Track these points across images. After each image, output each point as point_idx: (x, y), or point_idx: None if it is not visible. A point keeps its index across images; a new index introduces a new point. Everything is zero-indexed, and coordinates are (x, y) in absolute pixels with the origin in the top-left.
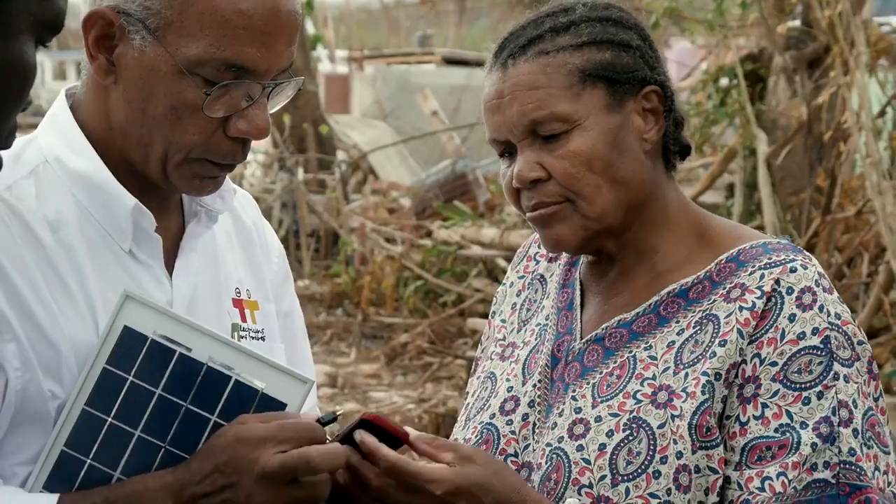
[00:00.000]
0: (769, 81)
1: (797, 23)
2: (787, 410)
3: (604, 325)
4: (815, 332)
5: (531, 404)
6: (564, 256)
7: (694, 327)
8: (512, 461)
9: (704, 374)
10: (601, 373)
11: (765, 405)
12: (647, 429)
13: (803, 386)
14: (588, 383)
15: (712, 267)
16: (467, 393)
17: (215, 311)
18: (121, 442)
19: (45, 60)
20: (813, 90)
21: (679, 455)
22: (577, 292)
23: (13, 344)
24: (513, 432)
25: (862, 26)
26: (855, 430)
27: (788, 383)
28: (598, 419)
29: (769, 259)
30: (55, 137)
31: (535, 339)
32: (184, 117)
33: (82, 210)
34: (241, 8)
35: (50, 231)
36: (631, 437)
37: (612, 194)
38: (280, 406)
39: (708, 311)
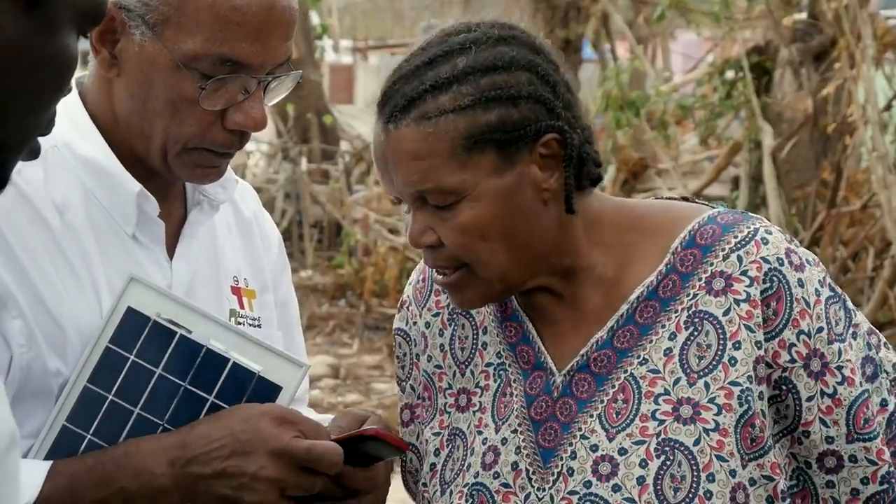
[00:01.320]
0: (775, 74)
1: (803, 15)
2: (855, 360)
3: (581, 352)
4: (820, 284)
5: (517, 451)
6: None
7: (686, 328)
8: None
9: (734, 384)
10: (602, 402)
11: (839, 367)
12: (682, 449)
13: (842, 336)
14: (592, 416)
15: (671, 258)
16: (414, 449)
17: (214, 297)
18: (120, 419)
19: None
20: (819, 83)
21: (733, 473)
22: (528, 324)
23: (19, 321)
24: (505, 485)
25: (868, 19)
26: (885, 344)
27: (837, 338)
28: (623, 451)
29: (734, 238)
30: (66, 123)
31: (495, 381)
32: (181, 110)
33: (89, 194)
34: (235, 4)
35: (57, 214)
36: (668, 462)
37: (509, 257)
38: (276, 389)
39: (694, 308)
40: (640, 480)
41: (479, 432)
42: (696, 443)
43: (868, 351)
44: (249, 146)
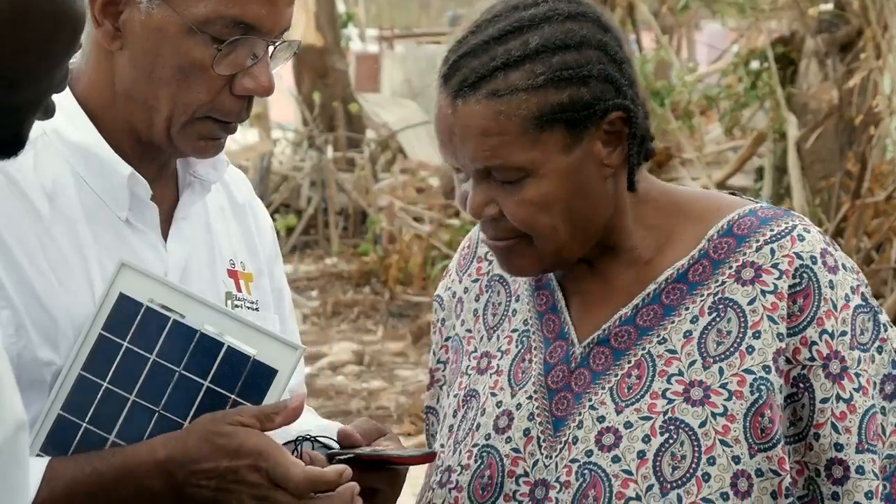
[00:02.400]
0: (800, 65)
1: (829, 6)
2: (871, 372)
3: (604, 326)
4: (852, 290)
5: (530, 417)
6: None
7: (710, 313)
8: (523, 481)
9: (748, 371)
10: (616, 375)
11: (858, 374)
12: (686, 430)
13: (866, 346)
14: (603, 388)
15: (705, 244)
16: (432, 410)
17: (209, 280)
18: (116, 406)
19: None
20: (844, 74)
21: (736, 460)
22: (559, 294)
23: (7, 311)
24: (515, 450)
25: (895, 9)
26: None
27: (860, 346)
28: (629, 425)
29: (771, 231)
30: None
31: (516, 346)
32: (191, 76)
33: (79, 180)
34: None
35: (47, 201)
36: (671, 441)
37: (569, 234)
38: (272, 372)
39: (720, 295)
40: (641, 455)
41: (494, 394)
42: (702, 425)
43: (892, 369)
44: (276, 134)
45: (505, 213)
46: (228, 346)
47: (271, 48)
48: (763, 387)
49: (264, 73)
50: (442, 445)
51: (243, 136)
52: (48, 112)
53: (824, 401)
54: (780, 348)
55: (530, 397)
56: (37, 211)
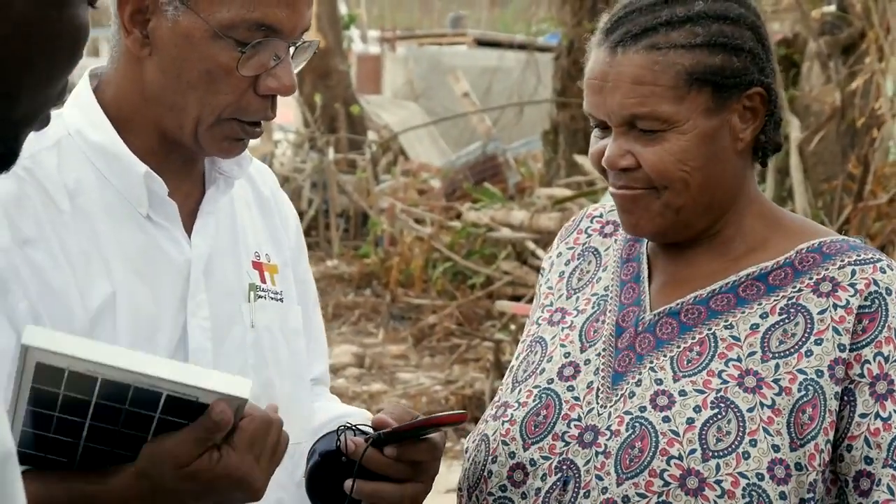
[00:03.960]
0: (803, 67)
1: (832, 8)
2: None
3: (678, 301)
4: None
5: (596, 372)
6: (622, 232)
7: (780, 314)
8: (575, 425)
9: (801, 371)
10: (679, 347)
11: None
12: (735, 410)
13: None
14: (665, 356)
15: (793, 255)
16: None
17: (233, 272)
18: (68, 448)
19: None
20: (847, 76)
21: (776, 448)
22: (645, 266)
23: (25, 303)
24: (576, 398)
25: None
26: None
27: None
28: (683, 393)
29: (857, 256)
30: (77, 113)
31: (593, 308)
32: (217, 79)
33: (103, 179)
34: None
35: (69, 198)
36: (720, 416)
37: (697, 194)
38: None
39: (794, 300)
40: (690, 421)
41: (563, 346)
42: (751, 410)
43: None
44: (277, 135)
45: (642, 162)
46: (168, 395)
47: (292, 49)
48: (811, 387)
49: (286, 73)
50: (500, 384)
51: None
52: (44, 122)
53: (863, 416)
54: (839, 357)
55: (599, 354)
56: (57, 207)
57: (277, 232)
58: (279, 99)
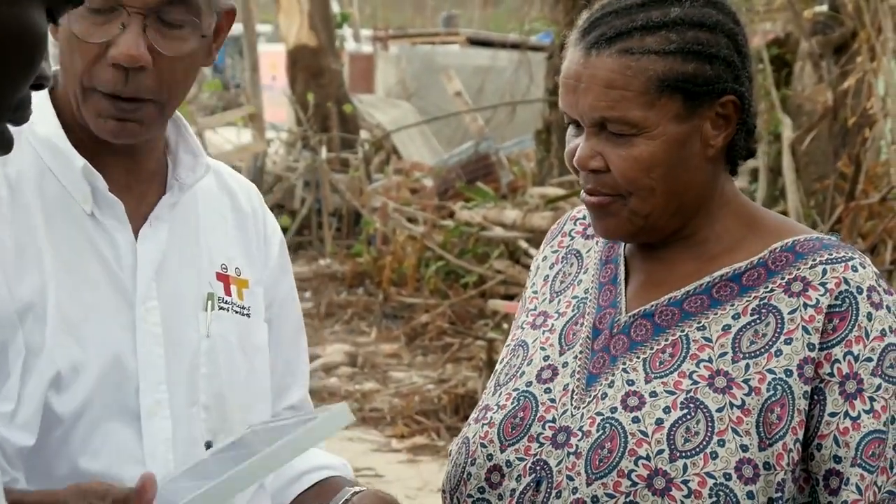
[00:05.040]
0: (795, 66)
1: (824, 8)
2: (892, 404)
3: (653, 302)
4: (890, 329)
5: (572, 374)
6: None
7: (752, 314)
8: (550, 426)
9: (770, 371)
10: (652, 349)
11: (872, 399)
12: (704, 410)
13: (893, 380)
14: (638, 357)
15: (766, 254)
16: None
17: (191, 281)
18: None
19: None
20: (839, 76)
21: (744, 448)
22: (622, 268)
23: None
24: (552, 400)
25: (889, 12)
26: None
27: (887, 377)
28: (654, 394)
29: (829, 255)
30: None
31: (573, 310)
32: (74, 48)
33: (47, 173)
34: None
35: (9, 190)
36: (689, 416)
37: (664, 200)
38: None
39: (766, 301)
40: (659, 422)
41: (543, 349)
42: (720, 410)
43: None
44: (270, 134)
45: (610, 165)
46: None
47: (141, 19)
48: (779, 387)
49: (128, 42)
50: (485, 388)
51: (237, 137)
52: (4, 145)
53: (833, 415)
54: (808, 357)
55: (576, 357)
56: None
57: (253, 249)
58: (279, 98)
